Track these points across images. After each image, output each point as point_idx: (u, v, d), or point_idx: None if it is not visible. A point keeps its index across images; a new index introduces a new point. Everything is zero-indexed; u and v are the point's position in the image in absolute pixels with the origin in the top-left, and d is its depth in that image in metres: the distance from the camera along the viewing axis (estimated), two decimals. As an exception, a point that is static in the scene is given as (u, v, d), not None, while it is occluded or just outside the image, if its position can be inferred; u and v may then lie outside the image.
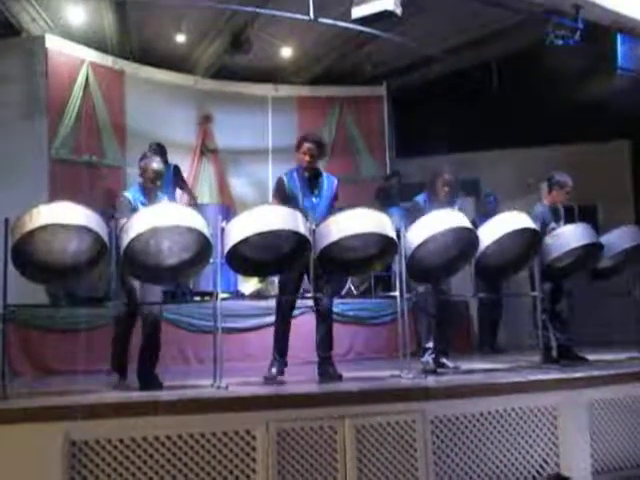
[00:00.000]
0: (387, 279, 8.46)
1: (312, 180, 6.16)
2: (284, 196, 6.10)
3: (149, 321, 5.69)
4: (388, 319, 8.51)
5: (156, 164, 5.89)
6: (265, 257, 5.73)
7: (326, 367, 5.97)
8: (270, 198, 6.39)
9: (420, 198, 6.68)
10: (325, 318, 6.07)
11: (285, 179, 6.18)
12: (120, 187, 9.62)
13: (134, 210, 5.59)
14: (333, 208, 6.12)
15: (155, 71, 10.61)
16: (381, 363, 7.51)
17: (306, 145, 6.12)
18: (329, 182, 6.23)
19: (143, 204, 5.74)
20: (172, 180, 9.19)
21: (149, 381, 5.57)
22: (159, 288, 5.96)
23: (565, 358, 6.80)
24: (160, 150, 8.88)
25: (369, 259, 5.91)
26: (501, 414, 5.28)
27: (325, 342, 6.03)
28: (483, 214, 8.55)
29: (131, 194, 5.84)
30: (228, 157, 11.16)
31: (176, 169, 9.45)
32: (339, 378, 5.84)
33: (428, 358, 6.36)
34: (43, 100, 9.21)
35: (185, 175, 10.30)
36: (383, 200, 10.01)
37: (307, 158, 6.11)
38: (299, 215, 5.52)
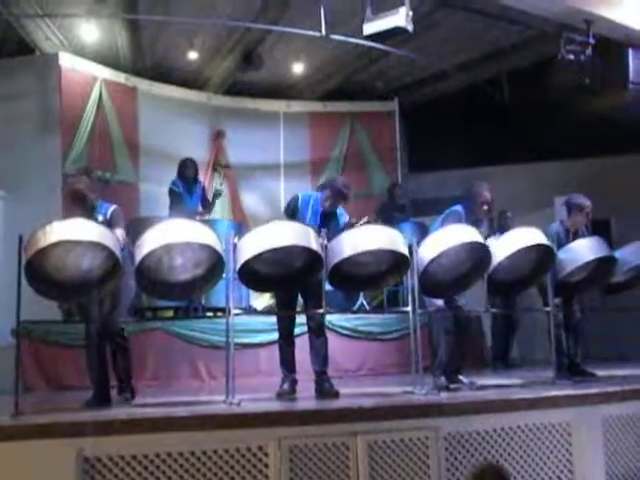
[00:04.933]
0: (399, 294, 8.46)
1: (326, 215, 6.17)
2: (293, 214, 6.14)
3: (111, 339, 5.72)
4: (400, 334, 8.48)
5: (76, 183, 5.89)
6: (277, 273, 5.73)
7: (322, 383, 5.91)
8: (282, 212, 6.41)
9: (458, 207, 6.49)
10: (318, 333, 6.02)
11: (300, 200, 6.21)
12: (133, 203, 9.71)
13: None
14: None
15: (168, 88, 10.69)
16: (394, 379, 7.48)
17: (328, 192, 6.14)
18: (340, 219, 6.24)
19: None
20: (199, 199, 9.36)
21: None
22: (126, 305, 5.91)
23: (574, 374, 6.75)
24: (186, 166, 9.18)
25: (381, 275, 5.90)
26: (515, 430, 5.24)
27: (320, 357, 5.97)
28: (497, 229, 8.54)
29: None
30: (240, 173, 11.21)
31: (203, 189, 9.59)
32: (336, 395, 5.76)
33: (441, 375, 6.30)
34: (56, 117, 9.30)
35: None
36: (385, 215, 9.87)
37: (327, 203, 6.15)
38: (311, 231, 5.52)
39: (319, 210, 6.19)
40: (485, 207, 6.41)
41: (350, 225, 6.17)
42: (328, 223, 6.12)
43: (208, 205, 9.47)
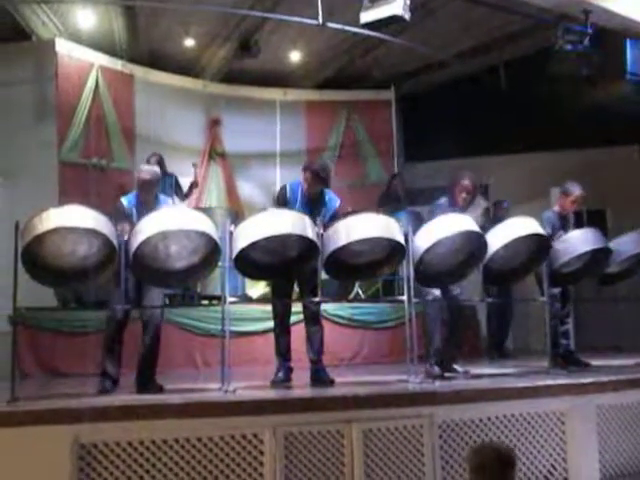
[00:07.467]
0: (394, 283, 8.46)
1: (313, 200, 6.15)
2: (284, 204, 6.12)
3: (150, 327, 5.68)
4: (396, 323, 8.49)
5: (144, 174, 5.86)
6: (273, 261, 5.74)
7: (317, 371, 5.94)
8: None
9: (442, 201, 6.54)
10: (314, 322, 6.03)
11: (288, 189, 6.21)
12: (129, 190, 9.69)
13: (128, 216, 5.62)
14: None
15: (164, 75, 10.65)
16: (388, 367, 7.50)
17: (305, 174, 6.12)
18: (330, 204, 6.21)
19: (138, 210, 5.72)
20: (172, 191, 9.19)
21: (148, 385, 5.58)
22: (160, 292, 5.89)
23: (568, 363, 6.78)
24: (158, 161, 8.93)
25: (377, 264, 5.91)
26: (509, 419, 5.27)
27: (315, 346, 5.98)
28: (493, 219, 8.54)
29: (127, 200, 5.85)
30: (236, 161, 11.19)
31: (176, 181, 9.44)
32: (331, 383, 5.80)
33: (435, 364, 6.30)
34: (53, 103, 9.26)
35: (193, 179, 10.30)
36: (387, 205, 9.93)
37: (305, 185, 6.13)
38: (307, 220, 5.51)
39: (306, 196, 6.16)
40: (464, 195, 6.40)
41: (345, 214, 6.16)
42: (316, 208, 6.09)
43: (181, 195, 9.42)
